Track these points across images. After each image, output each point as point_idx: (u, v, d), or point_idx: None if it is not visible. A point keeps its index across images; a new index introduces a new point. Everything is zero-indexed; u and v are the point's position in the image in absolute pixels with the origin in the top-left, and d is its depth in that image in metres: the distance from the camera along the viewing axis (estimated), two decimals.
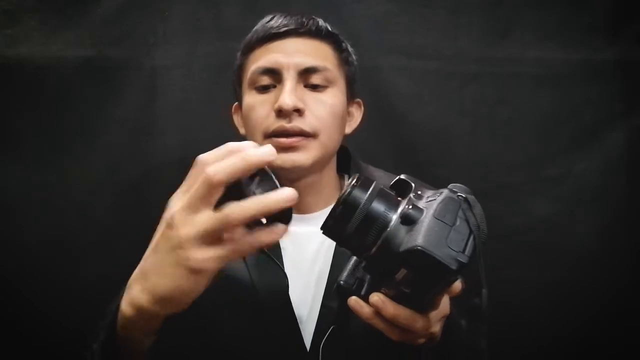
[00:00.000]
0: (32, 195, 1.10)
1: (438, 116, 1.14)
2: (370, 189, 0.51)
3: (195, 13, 1.14)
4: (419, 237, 0.47)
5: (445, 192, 0.51)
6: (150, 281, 0.47)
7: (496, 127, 1.14)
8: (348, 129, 0.85)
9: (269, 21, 0.79)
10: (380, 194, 0.51)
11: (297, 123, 0.74)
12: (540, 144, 1.14)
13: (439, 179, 0.64)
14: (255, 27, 0.80)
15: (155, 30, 1.13)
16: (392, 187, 0.55)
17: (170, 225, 0.45)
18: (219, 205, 0.44)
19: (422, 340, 0.56)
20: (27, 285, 1.07)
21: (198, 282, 0.46)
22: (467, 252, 0.48)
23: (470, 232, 0.49)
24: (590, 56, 1.13)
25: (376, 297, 0.52)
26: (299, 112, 0.74)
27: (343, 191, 0.51)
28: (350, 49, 0.84)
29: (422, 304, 0.53)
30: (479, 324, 0.54)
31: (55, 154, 1.11)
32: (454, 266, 0.47)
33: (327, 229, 0.52)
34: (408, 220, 0.49)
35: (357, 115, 0.87)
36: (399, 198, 0.52)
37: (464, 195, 0.51)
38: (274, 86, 0.77)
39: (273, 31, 0.77)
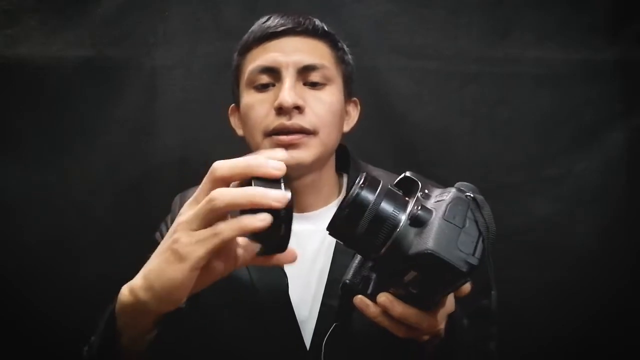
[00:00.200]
0: (32, 195, 1.10)
1: (438, 116, 1.14)
2: (379, 189, 0.51)
3: (195, 13, 1.14)
4: (430, 240, 0.47)
5: (453, 191, 0.51)
6: (148, 266, 0.50)
7: (496, 127, 1.14)
8: (346, 128, 0.85)
9: (265, 21, 0.80)
10: (388, 194, 0.51)
11: (297, 120, 0.74)
12: (540, 144, 1.14)
13: (439, 179, 0.64)
14: (252, 28, 0.81)
15: (155, 30, 1.13)
16: (398, 184, 0.54)
17: (180, 214, 0.48)
18: None
19: (426, 337, 0.56)
20: (27, 285, 1.08)
21: (184, 272, 0.46)
22: (476, 254, 0.48)
23: (480, 233, 0.49)
24: (590, 56, 1.13)
25: (384, 297, 0.52)
26: (299, 109, 0.74)
27: (351, 192, 0.50)
28: (346, 48, 0.84)
29: (430, 304, 0.53)
30: (487, 326, 0.54)
31: (55, 154, 1.11)
32: (464, 269, 0.47)
33: (335, 229, 0.51)
34: (418, 222, 0.49)
35: (354, 114, 0.87)
36: (406, 198, 0.52)
37: (472, 195, 0.51)
38: (273, 85, 0.77)
39: (270, 30, 0.78)
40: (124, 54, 1.13)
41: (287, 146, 0.74)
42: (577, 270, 1.10)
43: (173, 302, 0.49)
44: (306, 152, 0.75)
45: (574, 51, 1.13)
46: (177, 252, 0.46)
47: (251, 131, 0.78)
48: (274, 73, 0.76)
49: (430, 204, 0.51)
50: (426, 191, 0.52)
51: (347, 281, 0.57)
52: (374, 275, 0.56)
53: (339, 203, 0.55)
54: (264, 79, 0.77)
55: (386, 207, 0.50)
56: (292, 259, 0.51)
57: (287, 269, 0.74)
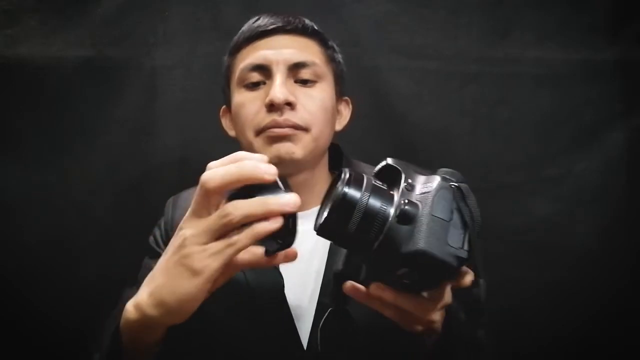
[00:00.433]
0: (32, 195, 1.10)
1: (438, 116, 1.14)
2: (364, 185, 0.50)
3: (195, 13, 1.14)
4: (421, 239, 0.47)
5: (437, 181, 0.50)
6: (155, 282, 0.49)
7: (496, 127, 1.14)
8: (338, 127, 0.85)
9: (255, 21, 0.80)
10: (373, 190, 0.50)
11: (288, 116, 0.74)
12: (540, 144, 1.14)
13: None
14: (242, 28, 0.81)
15: (155, 30, 1.13)
16: (380, 173, 0.53)
17: (179, 228, 0.48)
18: None
19: (420, 328, 0.56)
20: (27, 285, 1.07)
21: (198, 286, 0.46)
22: (465, 246, 0.48)
23: (466, 225, 0.49)
24: (590, 56, 1.13)
25: (375, 286, 0.53)
26: (290, 105, 0.74)
27: (337, 191, 0.49)
28: (336, 47, 0.84)
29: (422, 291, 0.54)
30: (477, 314, 0.54)
31: (55, 154, 1.11)
32: (454, 263, 0.48)
33: (324, 230, 0.51)
34: (406, 219, 0.48)
35: (345, 113, 0.87)
36: (391, 192, 0.51)
37: (456, 184, 0.50)
38: (264, 83, 0.77)
39: (260, 29, 0.78)
40: (124, 54, 1.12)
41: (281, 138, 0.74)
42: (577, 270, 1.10)
43: (184, 315, 0.49)
44: (298, 147, 0.75)
45: (574, 51, 1.13)
46: (191, 267, 0.46)
47: (243, 130, 0.78)
48: (264, 71, 0.77)
49: (415, 196, 0.50)
50: (410, 181, 0.51)
51: (340, 268, 0.58)
52: (365, 263, 0.56)
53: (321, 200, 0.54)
54: (255, 77, 0.77)
55: (374, 202, 0.49)
56: (294, 257, 0.51)
57: (282, 268, 0.74)
